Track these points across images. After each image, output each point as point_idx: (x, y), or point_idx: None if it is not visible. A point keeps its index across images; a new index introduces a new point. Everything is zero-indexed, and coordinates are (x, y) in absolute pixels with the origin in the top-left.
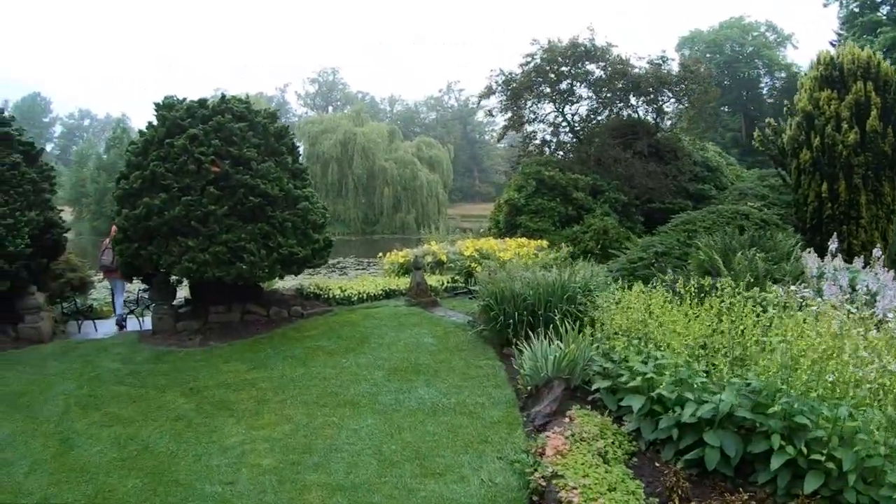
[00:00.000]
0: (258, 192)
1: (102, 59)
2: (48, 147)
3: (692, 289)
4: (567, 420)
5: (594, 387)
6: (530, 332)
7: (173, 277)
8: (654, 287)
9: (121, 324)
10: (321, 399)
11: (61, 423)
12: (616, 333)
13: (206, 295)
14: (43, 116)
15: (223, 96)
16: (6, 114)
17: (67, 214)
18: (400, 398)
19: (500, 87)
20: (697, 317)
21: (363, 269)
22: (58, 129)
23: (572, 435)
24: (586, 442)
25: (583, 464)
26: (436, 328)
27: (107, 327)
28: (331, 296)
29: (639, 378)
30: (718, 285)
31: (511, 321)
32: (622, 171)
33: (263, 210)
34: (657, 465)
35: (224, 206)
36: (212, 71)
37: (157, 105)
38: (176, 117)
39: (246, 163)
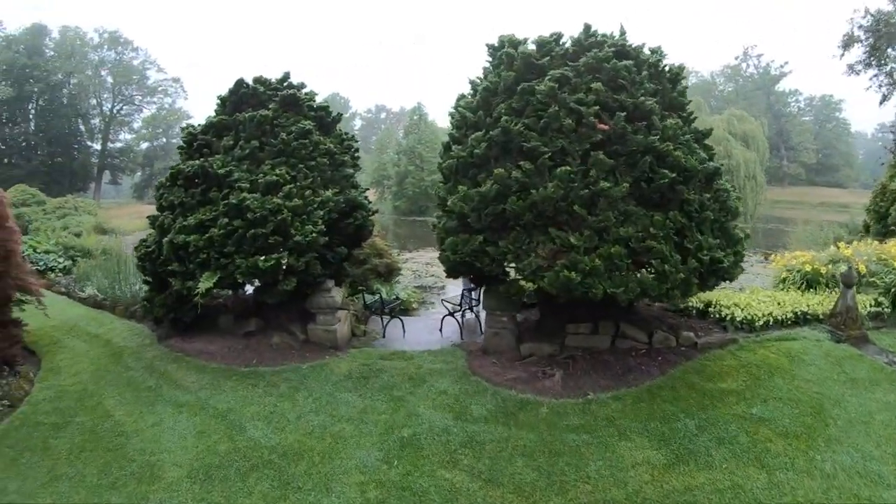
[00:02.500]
0: (669, 162)
1: None
2: None
3: None
4: None
5: None
6: None
7: (526, 283)
8: None
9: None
10: None
11: None
12: None
13: (561, 305)
14: (343, 112)
15: (587, 26)
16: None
17: (371, 195)
18: None
19: (865, 34)
20: None
21: None
22: (357, 123)
23: None
24: None
25: None
26: None
27: (418, 330)
28: (724, 315)
29: None
30: None
31: None
32: None
33: (675, 191)
34: None
35: (622, 184)
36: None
37: (491, 47)
38: (528, 54)
39: (645, 117)
